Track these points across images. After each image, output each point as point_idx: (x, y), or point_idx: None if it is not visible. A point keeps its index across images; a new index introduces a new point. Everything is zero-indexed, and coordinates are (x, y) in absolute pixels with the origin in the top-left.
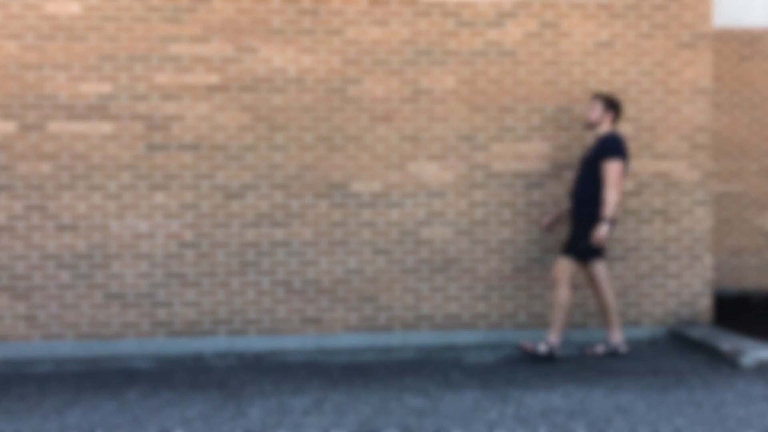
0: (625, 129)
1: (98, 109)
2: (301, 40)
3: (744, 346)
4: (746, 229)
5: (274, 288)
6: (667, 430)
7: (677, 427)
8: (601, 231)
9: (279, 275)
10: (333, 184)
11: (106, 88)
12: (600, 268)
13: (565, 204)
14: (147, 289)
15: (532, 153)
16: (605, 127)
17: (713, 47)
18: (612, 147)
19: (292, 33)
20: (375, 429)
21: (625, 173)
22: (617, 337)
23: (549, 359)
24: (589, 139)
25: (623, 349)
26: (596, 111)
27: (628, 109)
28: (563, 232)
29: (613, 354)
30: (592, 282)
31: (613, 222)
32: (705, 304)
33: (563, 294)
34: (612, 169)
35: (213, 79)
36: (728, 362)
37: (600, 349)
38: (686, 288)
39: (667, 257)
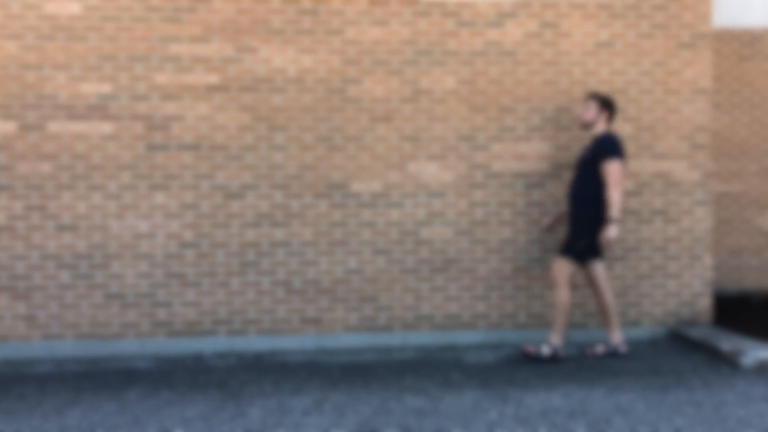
0: (625, 129)
1: (98, 109)
2: (301, 40)
3: (744, 346)
4: (746, 229)
5: (274, 288)
6: (667, 430)
7: (677, 427)
8: (611, 232)
9: (279, 275)
10: (333, 184)
11: (106, 88)
12: (598, 268)
13: (565, 205)
14: (147, 289)
15: (532, 153)
16: (601, 127)
17: (713, 47)
18: (609, 147)
19: (292, 33)
20: (375, 429)
21: (624, 173)
22: (617, 337)
23: (553, 361)
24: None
25: (623, 349)
26: (591, 111)
27: (628, 109)
28: (563, 233)
29: (613, 354)
30: (591, 282)
31: (609, 220)
32: (705, 304)
33: (563, 295)
34: (613, 169)
35: (213, 79)
36: (728, 362)
37: (600, 349)
38: (686, 288)
39: (667, 257)
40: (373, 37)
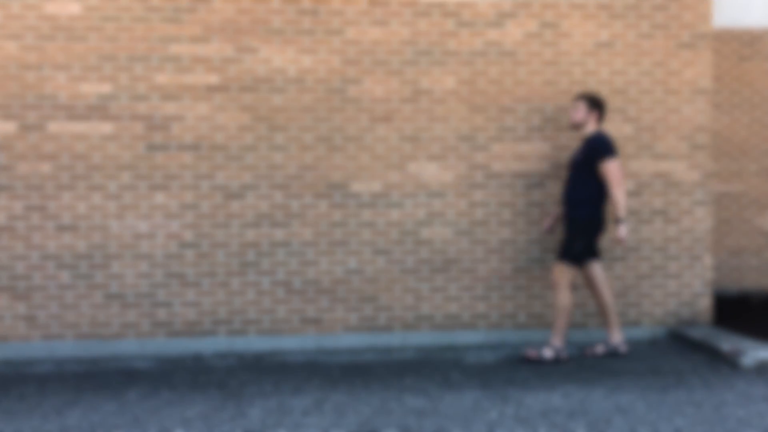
0: (625, 129)
1: (98, 110)
2: (301, 40)
3: (744, 346)
4: (746, 229)
5: (274, 288)
6: (667, 430)
7: (677, 427)
8: (622, 231)
9: (279, 275)
10: (333, 184)
11: (106, 88)
12: (596, 268)
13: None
14: (147, 290)
15: (532, 153)
16: (591, 128)
17: (713, 47)
18: (603, 147)
19: (292, 33)
20: (375, 429)
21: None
22: (617, 337)
23: (555, 363)
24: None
25: (623, 349)
26: (580, 111)
27: (628, 109)
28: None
29: (613, 354)
30: (590, 283)
31: (618, 220)
32: (705, 304)
33: (563, 297)
34: (611, 168)
35: (213, 79)
36: (728, 362)
37: (600, 349)
38: (686, 288)
39: (667, 257)
40: (373, 37)
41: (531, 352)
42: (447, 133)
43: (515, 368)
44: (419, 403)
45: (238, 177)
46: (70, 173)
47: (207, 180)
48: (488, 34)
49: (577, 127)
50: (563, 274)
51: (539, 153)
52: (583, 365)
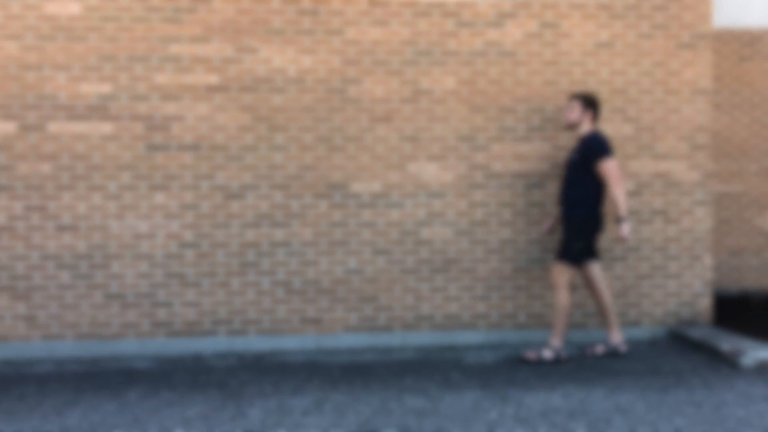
0: (625, 129)
1: (98, 110)
2: (301, 40)
3: (744, 347)
4: (746, 229)
5: (274, 288)
6: (667, 430)
7: (677, 427)
8: (625, 230)
9: (279, 275)
10: (333, 184)
11: (106, 88)
12: (595, 268)
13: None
14: (147, 290)
15: (532, 153)
16: (586, 127)
17: (713, 47)
18: (600, 147)
19: (292, 33)
20: (375, 429)
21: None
22: (617, 337)
23: (555, 363)
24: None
25: (623, 348)
26: (575, 111)
27: (628, 109)
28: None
29: (613, 354)
30: (588, 283)
31: (620, 219)
32: (705, 304)
33: (562, 298)
34: (609, 168)
35: (213, 79)
36: (728, 362)
37: (600, 349)
38: (686, 288)
39: (667, 257)
40: (373, 37)
41: (530, 354)
42: (447, 133)
43: (515, 368)
44: (419, 403)
45: (238, 177)
46: (70, 173)
47: (207, 180)
48: (488, 34)
49: (572, 127)
50: (562, 274)
51: (539, 153)
52: (583, 365)
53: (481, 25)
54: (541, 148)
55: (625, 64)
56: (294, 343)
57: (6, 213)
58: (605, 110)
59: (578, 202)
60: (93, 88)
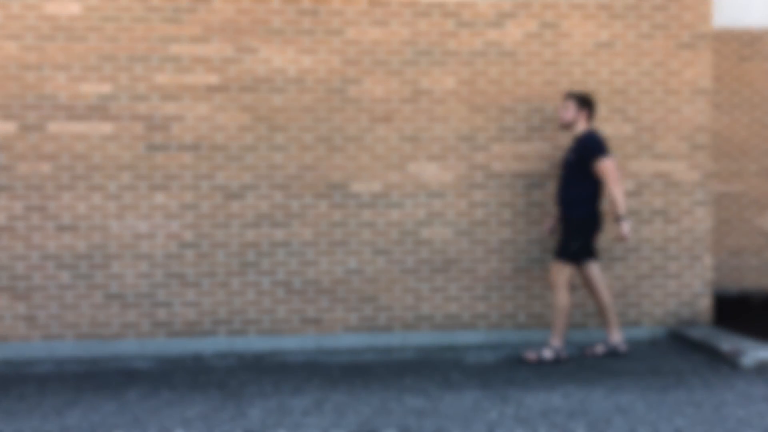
0: (625, 129)
1: (98, 110)
2: (301, 40)
3: (744, 347)
4: (746, 229)
5: (274, 288)
6: (667, 430)
7: (677, 427)
8: (624, 228)
9: (279, 275)
10: (333, 184)
11: (106, 88)
12: (593, 268)
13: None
14: (147, 290)
15: (532, 153)
16: (581, 126)
17: (713, 47)
18: (596, 146)
19: (292, 33)
20: (375, 429)
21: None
22: (616, 337)
23: (555, 363)
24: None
25: (623, 347)
26: (570, 111)
27: (628, 109)
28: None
29: (612, 353)
30: (587, 283)
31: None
32: (705, 304)
33: (561, 298)
34: (606, 167)
35: (213, 79)
36: (728, 362)
37: (600, 349)
38: (686, 288)
39: (667, 257)
40: (373, 37)
41: (530, 355)
42: (447, 133)
43: (515, 368)
44: (419, 403)
45: (238, 177)
46: (70, 173)
47: (207, 180)
48: (488, 34)
49: (567, 126)
50: (561, 274)
51: (539, 153)
52: (583, 365)
53: (481, 25)
54: (541, 148)
55: (625, 64)
56: (294, 343)
57: (6, 213)
58: (605, 110)
59: (576, 202)
60: (93, 88)
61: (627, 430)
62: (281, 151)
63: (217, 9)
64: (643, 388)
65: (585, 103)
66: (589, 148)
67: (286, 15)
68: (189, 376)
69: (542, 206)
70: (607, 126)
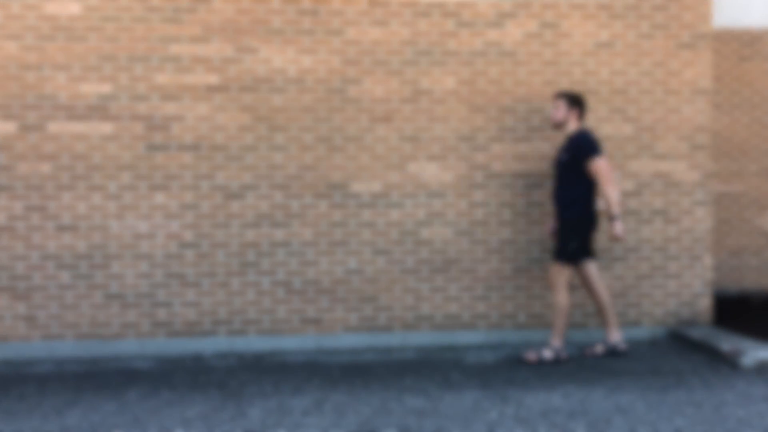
0: (625, 129)
1: (98, 110)
2: (301, 40)
3: (744, 347)
4: (746, 229)
5: (274, 288)
6: (667, 430)
7: (677, 427)
8: (618, 228)
9: (279, 275)
10: (333, 184)
11: (106, 88)
12: (591, 267)
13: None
14: (147, 290)
15: (532, 153)
16: (573, 126)
17: (713, 47)
18: (588, 146)
19: (292, 33)
20: (375, 429)
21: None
22: (615, 336)
23: (555, 363)
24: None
25: (622, 346)
26: (560, 110)
27: (628, 109)
28: None
29: (612, 352)
30: (585, 282)
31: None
32: (705, 304)
33: (561, 298)
34: (600, 167)
35: (213, 79)
36: (728, 362)
37: (599, 348)
38: (686, 288)
39: (667, 257)
40: (373, 37)
41: (530, 356)
42: (447, 133)
43: (515, 368)
44: (419, 403)
45: (238, 177)
46: (70, 173)
47: (207, 180)
48: (488, 34)
49: (558, 126)
50: (559, 274)
51: (539, 153)
52: (583, 365)
53: (481, 25)
54: (541, 148)
55: (625, 64)
56: (294, 343)
57: (6, 213)
58: (605, 110)
59: (570, 202)
60: (93, 88)
61: (627, 430)
62: (281, 151)
63: (217, 9)
64: (643, 388)
65: (575, 102)
66: (582, 147)
67: (286, 15)
68: (189, 376)
69: (542, 206)
70: (607, 126)
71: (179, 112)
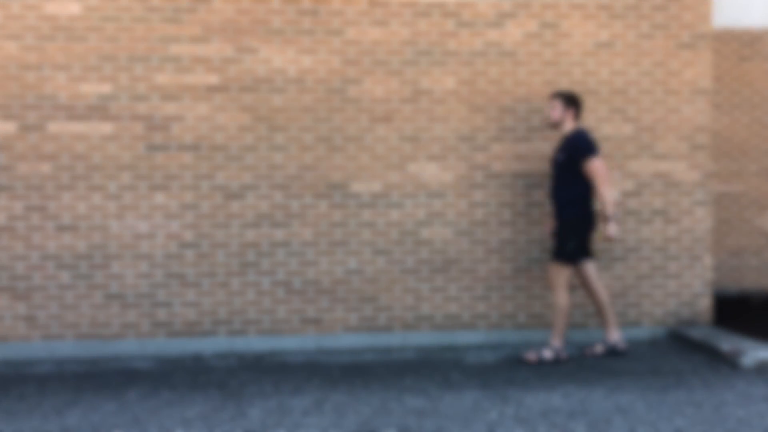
0: (625, 129)
1: (98, 110)
2: (301, 40)
3: (744, 347)
4: (746, 229)
5: (274, 288)
6: (667, 430)
7: (677, 427)
8: (612, 229)
9: (279, 276)
10: (333, 184)
11: (106, 88)
12: (589, 267)
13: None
14: (147, 290)
15: (532, 153)
16: (569, 125)
17: (713, 47)
18: (585, 146)
19: (292, 33)
20: (375, 429)
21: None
22: (615, 335)
23: (555, 363)
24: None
25: (622, 345)
26: (557, 110)
27: (628, 109)
28: None
29: (612, 352)
30: (584, 282)
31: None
32: (705, 304)
33: (561, 298)
34: (595, 167)
35: (213, 79)
36: (728, 362)
37: (599, 348)
38: (686, 288)
39: (667, 258)
40: (373, 37)
41: (530, 356)
42: (447, 133)
43: (515, 368)
44: (419, 403)
45: (238, 177)
46: (70, 173)
47: (207, 180)
48: (488, 35)
49: (554, 126)
50: (558, 274)
51: (539, 153)
52: (583, 365)
53: (481, 25)
54: (541, 148)
55: (625, 64)
56: (294, 343)
57: (6, 213)
58: (605, 110)
59: (569, 203)
60: (93, 88)
61: (627, 430)
62: (281, 151)
63: (217, 9)
64: (643, 388)
65: (571, 101)
66: (579, 147)
67: (286, 15)
68: (189, 376)
69: (542, 206)
70: (607, 126)
71: (179, 112)
